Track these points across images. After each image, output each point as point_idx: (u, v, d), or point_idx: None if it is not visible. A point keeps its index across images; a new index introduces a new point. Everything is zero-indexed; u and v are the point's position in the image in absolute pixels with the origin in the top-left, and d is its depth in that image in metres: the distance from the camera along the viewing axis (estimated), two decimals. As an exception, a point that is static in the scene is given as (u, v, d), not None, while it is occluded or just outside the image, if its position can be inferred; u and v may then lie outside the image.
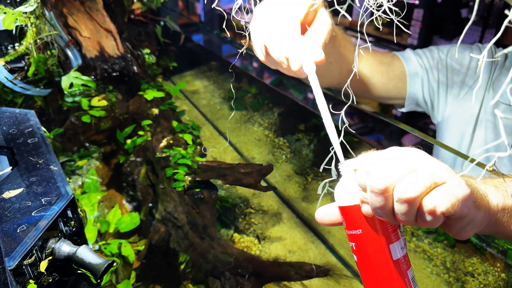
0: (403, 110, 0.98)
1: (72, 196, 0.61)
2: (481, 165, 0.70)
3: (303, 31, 0.48)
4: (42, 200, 0.59)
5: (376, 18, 0.48)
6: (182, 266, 0.72)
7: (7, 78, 1.23)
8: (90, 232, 0.80)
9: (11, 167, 0.70)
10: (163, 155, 0.90)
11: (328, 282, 0.69)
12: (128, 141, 0.99)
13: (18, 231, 0.54)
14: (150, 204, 0.85)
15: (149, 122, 1.03)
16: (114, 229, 0.83)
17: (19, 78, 1.27)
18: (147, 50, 1.36)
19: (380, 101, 1.09)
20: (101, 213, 0.86)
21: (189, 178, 0.82)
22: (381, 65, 0.92)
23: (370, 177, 0.36)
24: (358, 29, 0.49)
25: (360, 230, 0.39)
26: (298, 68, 0.44)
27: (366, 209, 0.38)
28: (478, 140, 0.90)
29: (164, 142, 0.93)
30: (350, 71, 0.84)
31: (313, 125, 1.15)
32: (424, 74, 0.93)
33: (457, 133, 0.93)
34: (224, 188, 0.95)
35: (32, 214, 0.57)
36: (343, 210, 0.40)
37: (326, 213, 0.43)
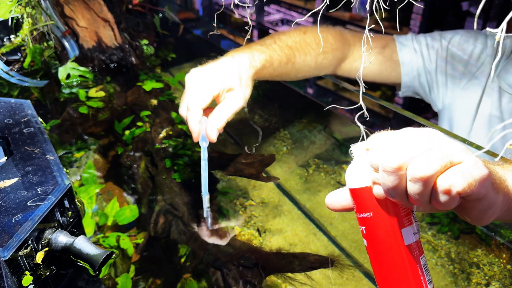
0: (400, 95, 0.98)
1: (69, 185, 0.59)
2: (493, 155, 0.69)
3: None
4: (38, 189, 0.58)
5: (376, 12, 0.47)
6: (182, 260, 0.70)
7: (2, 70, 1.21)
8: (88, 225, 0.79)
9: (6, 157, 0.68)
10: (163, 146, 0.88)
11: (332, 273, 0.68)
12: (127, 132, 0.97)
13: (13, 221, 0.52)
14: (150, 196, 0.83)
15: (148, 113, 1.01)
16: (113, 222, 0.82)
17: (15, 70, 1.25)
18: (145, 41, 1.34)
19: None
20: (99, 206, 0.85)
21: (189, 169, 0.80)
22: (375, 55, 0.91)
23: (382, 156, 0.34)
24: (367, 22, 0.49)
25: (371, 213, 0.38)
26: (196, 140, 0.67)
27: (378, 191, 0.36)
28: (477, 130, 0.89)
29: (163, 133, 0.91)
30: (312, 61, 0.87)
31: (315, 116, 1.14)
32: (419, 61, 0.92)
33: (456, 121, 0.92)
34: (225, 180, 0.93)
35: (28, 204, 0.55)
36: (354, 192, 0.39)
37: (336, 198, 0.41)
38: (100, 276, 0.69)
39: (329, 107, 0.55)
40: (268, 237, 0.81)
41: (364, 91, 0.46)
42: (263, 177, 0.77)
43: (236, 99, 0.70)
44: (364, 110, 0.46)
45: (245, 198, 0.90)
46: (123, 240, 0.76)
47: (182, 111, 0.68)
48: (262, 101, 1.23)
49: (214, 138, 0.66)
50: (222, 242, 0.69)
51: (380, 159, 0.35)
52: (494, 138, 0.36)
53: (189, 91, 0.68)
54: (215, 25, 0.74)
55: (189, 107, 0.65)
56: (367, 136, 0.40)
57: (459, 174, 0.32)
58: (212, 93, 0.66)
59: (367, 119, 0.47)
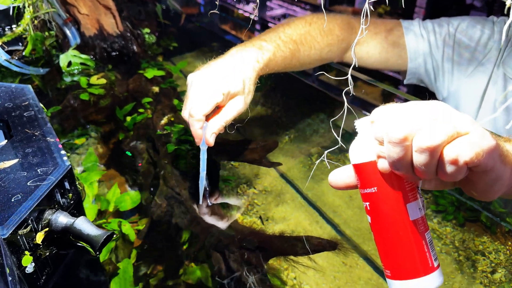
0: (404, 82, 0.97)
1: (70, 166, 0.58)
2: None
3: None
4: (38, 170, 0.57)
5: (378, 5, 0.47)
6: (185, 246, 0.70)
7: (3, 58, 1.20)
8: (90, 211, 0.78)
9: (6, 140, 0.68)
10: (164, 132, 0.87)
11: (335, 261, 0.67)
12: (128, 118, 0.96)
13: (12, 200, 0.51)
14: (151, 182, 0.82)
15: (149, 99, 1.00)
16: (114, 208, 0.81)
17: (16, 58, 1.24)
18: (147, 30, 1.33)
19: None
20: (100, 193, 0.84)
21: (191, 155, 0.80)
22: (381, 41, 0.90)
23: (388, 127, 0.33)
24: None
25: (375, 188, 0.37)
26: (199, 144, 0.68)
27: (382, 164, 0.36)
28: (482, 118, 0.88)
29: (165, 120, 0.91)
30: (317, 54, 0.86)
31: (318, 104, 1.13)
32: (426, 47, 0.90)
33: (462, 109, 0.91)
34: (227, 168, 0.92)
35: (28, 184, 0.54)
36: (358, 167, 0.38)
37: (340, 176, 0.40)
38: (101, 260, 0.68)
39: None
40: (271, 225, 0.80)
41: (356, 65, 0.46)
42: (266, 162, 0.76)
43: (237, 105, 0.69)
44: (351, 86, 0.46)
45: (248, 186, 0.89)
46: (124, 226, 0.75)
47: (185, 114, 0.67)
48: (265, 90, 1.22)
49: (211, 142, 0.67)
50: (223, 224, 0.69)
51: (385, 130, 0.34)
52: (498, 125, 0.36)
53: (192, 96, 0.67)
54: (216, 2, 0.73)
55: (192, 114, 0.64)
56: (350, 111, 0.40)
57: (467, 144, 0.32)
58: (216, 101, 0.65)
59: (351, 94, 0.47)
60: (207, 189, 0.77)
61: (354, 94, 0.46)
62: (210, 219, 0.71)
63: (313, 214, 0.83)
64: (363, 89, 0.96)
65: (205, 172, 0.71)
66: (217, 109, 0.69)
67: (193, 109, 0.64)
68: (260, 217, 0.81)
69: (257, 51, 0.74)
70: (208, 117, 0.67)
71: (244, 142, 0.78)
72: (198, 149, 0.83)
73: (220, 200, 0.79)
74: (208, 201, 0.75)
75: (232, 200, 0.81)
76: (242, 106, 0.70)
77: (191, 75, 0.69)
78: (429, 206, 0.82)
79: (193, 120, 0.64)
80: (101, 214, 0.79)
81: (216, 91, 0.65)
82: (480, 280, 0.67)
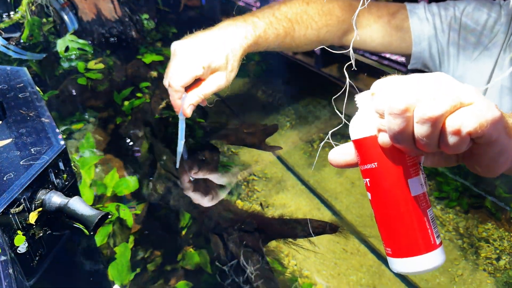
0: (409, 67, 0.94)
1: (64, 146, 0.57)
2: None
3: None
4: (32, 150, 0.55)
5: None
6: (183, 232, 0.69)
7: (0, 43, 1.19)
8: (87, 196, 0.77)
9: (0, 121, 0.66)
10: (163, 116, 0.86)
11: (336, 248, 0.66)
12: (126, 103, 0.95)
13: (4, 178, 0.50)
14: (150, 166, 0.81)
15: (147, 84, 0.99)
16: (112, 193, 0.80)
17: (14, 44, 1.22)
18: (146, 16, 1.31)
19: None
20: (98, 178, 0.83)
21: (190, 138, 0.78)
22: (384, 25, 0.88)
23: (389, 98, 0.32)
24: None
25: (375, 163, 0.35)
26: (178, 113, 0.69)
27: (383, 138, 0.34)
28: None
29: (163, 104, 0.89)
30: (313, 35, 0.84)
31: (319, 91, 1.11)
32: (431, 31, 0.88)
33: None
34: (227, 154, 0.91)
35: (20, 163, 0.53)
36: (358, 143, 0.36)
37: (339, 153, 0.39)
38: (98, 244, 0.67)
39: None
40: (271, 211, 0.79)
41: (358, 38, 0.44)
42: (265, 146, 0.74)
43: (218, 80, 0.69)
44: (353, 60, 0.44)
45: (248, 173, 0.88)
46: (122, 210, 0.74)
47: (165, 83, 0.68)
48: (266, 76, 1.21)
49: (189, 113, 0.68)
50: (207, 201, 0.68)
51: (386, 102, 0.33)
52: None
53: (173, 66, 0.67)
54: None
55: (171, 84, 0.65)
56: (354, 89, 0.38)
57: (470, 114, 0.30)
58: (195, 73, 0.65)
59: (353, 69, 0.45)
60: (185, 158, 0.76)
61: (353, 83, 0.44)
62: (193, 195, 0.70)
63: (314, 200, 0.82)
64: (365, 82, 0.95)
65: (183, 141, 0.71)
66: (199, 81, 0.68)
67: (172, 79, 0.65)
68: (261, 204, 0.79)
69: (247, 27, 0.73)
70: (188, 88, 0.67)
71: (243, 126, 0.77)
72: (195, 133, 0.81)
73: (201, 176, 0.77)
74: (190, 176, 0.74)
75: (213, 177, 0.79)
76: (223, 82, 0.69)
77: (175, 43, 0.69)
78: (432, 193, 0.81)
79: (172, 91, 0.65)
80: (98, 199, 0.78)
81: (197, 63, 0.65)
82: (483, 267, 0.66)
